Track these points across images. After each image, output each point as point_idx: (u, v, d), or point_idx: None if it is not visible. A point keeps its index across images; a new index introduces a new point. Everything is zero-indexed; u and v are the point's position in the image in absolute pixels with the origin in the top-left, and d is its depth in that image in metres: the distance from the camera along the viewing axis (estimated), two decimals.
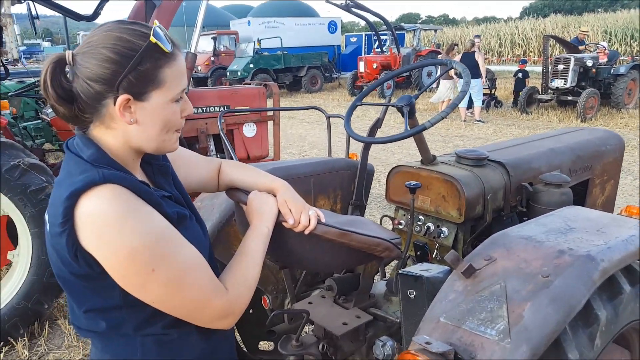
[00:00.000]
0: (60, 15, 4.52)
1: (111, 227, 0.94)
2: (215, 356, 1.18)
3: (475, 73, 10.26)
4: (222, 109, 4.04)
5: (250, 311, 2.37)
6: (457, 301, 1.24)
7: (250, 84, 4.88)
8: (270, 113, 4.61)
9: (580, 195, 2.61)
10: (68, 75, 1.03)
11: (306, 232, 1.28)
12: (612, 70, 11.49)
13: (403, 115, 1.88)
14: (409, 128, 1.83)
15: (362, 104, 2.10)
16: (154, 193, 1.05)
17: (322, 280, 2.30)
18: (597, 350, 1.27)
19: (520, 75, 13.19)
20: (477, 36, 11.40)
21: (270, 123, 4.72)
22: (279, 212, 1.30)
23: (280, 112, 4.94)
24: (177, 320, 1.07)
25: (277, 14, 24.59)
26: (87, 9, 4.38)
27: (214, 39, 19.89)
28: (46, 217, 1.04)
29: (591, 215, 1.56)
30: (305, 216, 1.28)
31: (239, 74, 17.44)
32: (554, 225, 1.45)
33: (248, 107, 4.26)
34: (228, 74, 17.94)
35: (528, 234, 1.37)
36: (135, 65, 0.99)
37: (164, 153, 1.16)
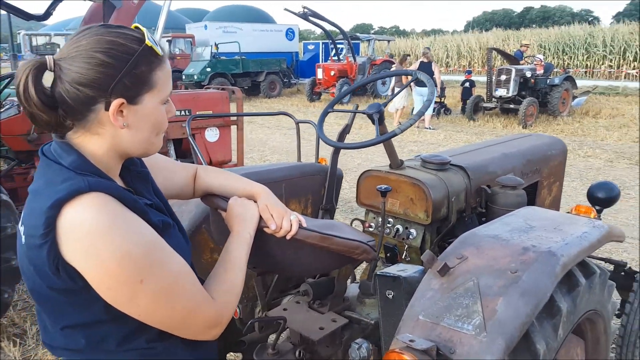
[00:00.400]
0: (4, 13, 4.30)
1: (98, 238, 0.90)
2: None
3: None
4: (184, 113, 3.98)
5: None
6: (434, 299, 1.31)
7: (210, 88, 4.83)
8: (233, 118, 4.58)
9: (530, 197, 2.79)
10: (44, 82, 0.99)
11: (288, 237, 1.29)
12: (548, 81, 12.28)
13: (373, 122, 1.95)
14: (379, 134, 1.91)
15: (332, 111, 2.16)
16: (139, 201, 1.03)
17: (294, 286, 2.32)
18: (560, 339, 1.38)
19: (467, 84, 13.82)
20: (427, 48, 11.82)
21: (233, 128, 4.68)
22: (260, 217, 1.29)
23: (245, 117, 4.91)
24: (162, 332, 1.04)
25: (235, 19, 24.40)
26: (32, 8, 4.18)
27: (169, 41, 19.56)
28: (20, 228, 0.99)
29: (547, 214, 1.68)
30: (287, 221, 1.28)
31: (195, 77, 17.22)
32: (516, 224, 1.55)
33: (211, 112, 4.21)
34: (184, 77, 17.64)
35: (494, 233, 1.46)
36: (131, 69, 0.98)
37: (149, 155, 1.14)
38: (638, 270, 2.73)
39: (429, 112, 11.64)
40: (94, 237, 0.90)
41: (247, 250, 1.23)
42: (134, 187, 1.13)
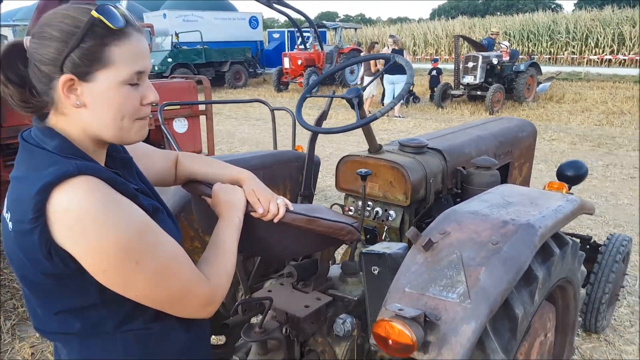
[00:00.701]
0: None
1: (90, 221, 0.89)
2: (194, 347, 1.17)
3: (400, 71, 10.73)
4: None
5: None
6: (419, 272, 1.36)
7: (176, 78, 4.71)
8: (202, 108, 4.47)
9: (502, 177, 2.89)
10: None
11: (275, 220, 1.29)
12: (513, 68, 12.57)
13: (352, 107, 1.98)
14: (359, 118, 1.93)
15: (310, 96, 2.17)
16: (128, 185, 1.02)
17: (275, 271, 2.35)
18: (536, 305, 1.47)
19: (434, 72, 13.98)
20: (392, 36, 11.87)
21: (202, 118, 4.58)
22: (247, 202, 1.29)
23: (213, 107, 4.83)
24: (158, 313, 1.04)
25: (195, 7, 23.80)
26: None
27: None
28: (5, 215, 0.97)
29: (523, 191, 1.76)
30: (274, 205, 1.28)
31: (156, 68, 16.62)
32: (494, 201, 1.62)
33: (178, 101, 4.11)
34: None
35: (475, 209, 1.52)
36: (78, 43, 0.93)
37: (127, 143, 1.07)
38: (602, 244, 2.90)
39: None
40: (87, 221, 0.89)
41: (237, 234, 1.23)
42: (119, 173, 1.11)
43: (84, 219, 0.88)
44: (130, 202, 0.97)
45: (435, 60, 15.09)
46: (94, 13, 0.94)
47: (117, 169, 1.11)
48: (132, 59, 0.98)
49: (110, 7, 0.97)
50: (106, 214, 0.90)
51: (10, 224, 0.94)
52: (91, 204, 0.90)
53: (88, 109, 0.98)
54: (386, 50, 11.43)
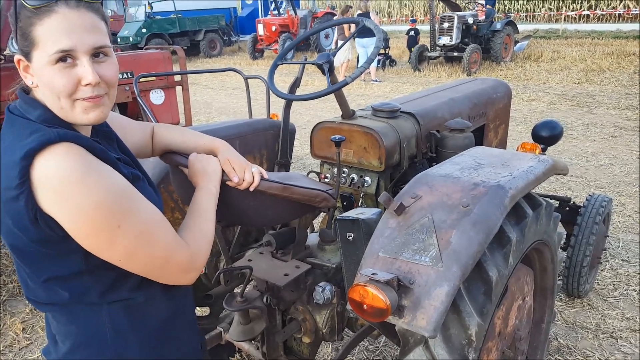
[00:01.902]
0: None
1: (73, 185, 0.91)
2: (179, 314, 1.20)
3: (371, 34, 10.58)
4: (126, 76, 3.80)
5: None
6: (392, 236, 1.37)
7: (150, 49, 4.62)
8: (177, 78, 4.43)
9: (477, 140, 2.90)
10: None
11: (251, 188, 1.32)
12: (490, 27, 12.48)
13: (323, 73, 1.95)
14: (331, 84, 1.91)
15: (282, 63, 2.12)
16: (108, 152, 1.03)
17: (255, 240, 2.35)
18: (511, 267, 1.49)
19: (412, 33, 13.83)
20: None
21: (178, 89, 4.53)
22: (222, 171, 1.31)
23: (188, 77, 4.75)
24: (141, 282, 1.07)
25: None
26: None
27: (100, 3, 18.25)
28: None
29: (495, 152, 1.77)
30: (248, 173, 1.32)
31: (131, 39, 16.33)
32: (465, 163, 1.63)
33: (153, 73, 4.04)
34: (119, 40, 16.67)
35: (446, 172, 1.53)
36: (16, 24, 0.96)
37: (76, 123, 1.03)
38: (581, 205, 2.92)
39: (374, 64, 11.61)
40: (69, 186, 0.91)
41: (214, 202, 1.25)
42: (99, 142, 1.12)
43: (65, 184, 0.91)
44: (110, 168, 0.99)
45: (413, 21, 14.93)
46: None
47: (99, 140, 1.12)
48: (56, 36, 0.94)
49: None
50: (86, 180, 0.92)
51: None
52: (72, 169, 0.92)
53: (40, 89, 1.00)
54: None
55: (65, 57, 0.96)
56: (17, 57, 0.99)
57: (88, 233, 0.95)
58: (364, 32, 10.68)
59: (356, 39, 11.17)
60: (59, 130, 0.95)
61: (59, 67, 0.96)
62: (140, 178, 1.13)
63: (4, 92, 1.14)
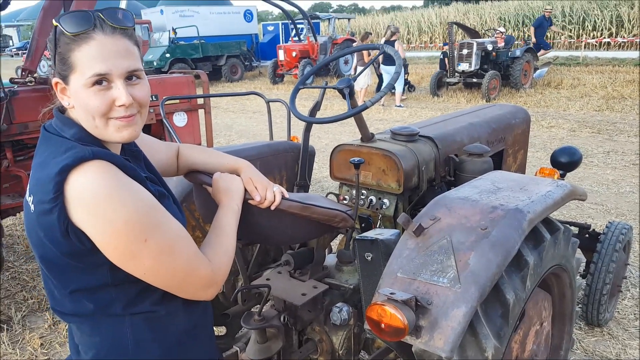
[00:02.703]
0: None
1: (104, 200, 0.96)
2: (199, 328, 1.23)
3: (394, 61, 10.67)
4: (151, 98, 3.91)
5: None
6: (410, 257, 1.39)
7: (175, 73, 4.77)
8: (200, 101, 4.55)
9: (496, 165, 2.91)
10: None
11: (272, 207, 1.36)
12: (509, 54, 12.50)
13: (344, 97, 2.00)
14: (351, 108, 1.96)
15: (304, 87, 2.19)
16: (138, 170, 1.09)
17: (274, 260, 2.38)
18: (528, 291, 1.49)
19: (442, 56, 13.84)
20: (392, 26, 11.83)
21: (201, 112, 4.65)
22: (245, 190, 1.36)
23: (210, 101, 4.88)
24: (163, 296, 1.11)
25: (190, 3, 23.82)
26: None
27: (133, 28, 18.91)
28: (28, 199, 1.04)
29: (513, 177, 1.78)
30: (270, 192, 1.36)
31: (155, 64, 16.81)
32: (484, 187, 1.65)
33: (178, 96, 4.17)
34: (143, 64, 17.20)
35: (464, 195, 1.55)
36: (55, 50, 1.03)
37: (110, 141, 1.10)
38: (601, 233, 2.87)
39: (399, 90, 11.67)
40: (100, 201, 0.96)
41: (236, 219, 1.30)
42: (129, 160, 1.19)
43: (97, 199, 0.96)
44: (139, 185, 1.05)
45: (445, 44, 15.05)
46: (54, 21, 1.02)
47: (128, 158, 1.17)
48: (92, 61, 1.02)
49: (72, 13, 1.03)
50: (117, 195, 0.98)
51: (32, 206, 1.02)
52: (104, 185, 0.98)
53: (76, 109, 1.07)
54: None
55: (101, 80, 1.03)
56: (54, 80, 1.05)
57: (116, 246, 0.99)
58: (389, 59, 10.82)
59: (381, 66, 11.33)
60: (93, 148, 1.02)
61: (95, 90, 1.03)
62: (166, 196, 1.18)
63: (41, 112, 1.20)
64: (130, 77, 1.07)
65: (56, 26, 1.01)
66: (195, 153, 1.45)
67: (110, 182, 0.98)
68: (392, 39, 11.07)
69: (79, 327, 1.14)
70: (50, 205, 0.96)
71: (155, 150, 1.38)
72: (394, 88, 11.73)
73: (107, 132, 1.07)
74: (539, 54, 14.14)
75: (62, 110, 1.12)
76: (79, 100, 1.04)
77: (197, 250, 1.13)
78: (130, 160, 1.16)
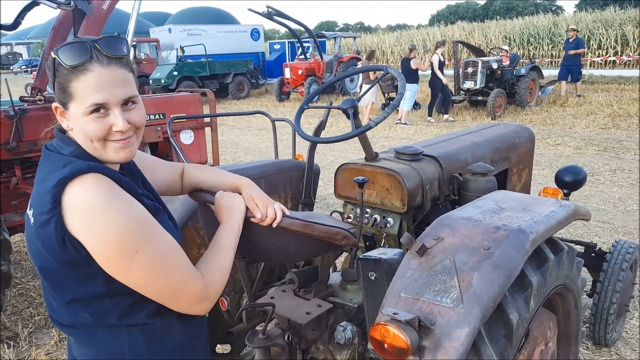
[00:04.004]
0: None
1: (98, 211, 1.00)
2: (194, 340, 1.25)
3: (411, 79, 10.84)
4: (158, 117, 3.99)
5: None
6: (413, 277, 1.39)
7: (182, 91, 4.85)
8: (207, 120, 4.62)
9: (501, 184, 2.92)
10: None
11: (274, 225, 1.38)
12: (514, 72, 12.57)
13: (348, 117, 2.03)
14: (355, 128, 1.98)
15: (309, 107, 2.22)
16: (133, 184, 1.13)
17: (278, 278, 2.39)
18: (532, 311, 1.48)
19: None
20: (411, 44, 12.02)
21: (207, 130, 4.72)
22: (247, 208, 1.38)
23: (217, 118, 4.94)
24: (159, 309, 1.14)
25: (198, 22, 24.25)
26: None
27: (134, 46, 19.23)
28: (29, 212, 1.08)
29: (516, 196, 1.79)
30: (271, 210, 1.38)
31: (162, 81, 17.06)
32: (487, 207, 1.66)
33: (185, 114, 4.24)
34: (151, 81, 17.46)
35: (467, 215, 1.56)
36: (53, 78, 1.09)
37: (109, 161, 1.15)
38: (607, 251, 2.86)
39: (407, 108, 11.75)
40: (94, 212, 1.00)
41: (235, 238, 1.31)
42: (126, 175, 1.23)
43: (92, 209, 1.01)
44: (133, 198, 1.09)
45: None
46: (53, 54, 1.07)
47: (126, 175, 1.22)
48: (90, 92, 1.07)
49: (70, 45, 1.07)
50: (111, 207, 1.02)
51: (32, 219, 1.07)
52: (98, 197, 1.02)
53: (74, 132, 1.13)
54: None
55: (98, 108, 1.08)
56: (54, 104, 1.12)
57: (108, 256, 1.02)
58: (408, 77, 10.90)
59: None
60: (89, 162, 1.07)
61: (93, 117, 1.08)
62: (162, 211, 1.22)
63: (43, 131, 1.27)
64: (126, 102, 1.12)
65: (54, 58, 1.07)
66: (199, 172, 1.49)
67: (105, 193, 1.03)
68: (410, 57, 11.20)
69: (77, 340, 1.17)
70: (47, 216, 1.01)
71: (157, 169, 1.43)
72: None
73: (105, 153, 1.12)
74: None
75: (62, 130, 1.17)
76: (78, 124, 1.10)
77: (190, 264, 1.15)
78: (128, 177, 1.20)
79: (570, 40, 13.91)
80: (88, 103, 1.06)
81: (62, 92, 1.08)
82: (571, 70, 13.93)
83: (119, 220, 1.01)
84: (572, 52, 13.59)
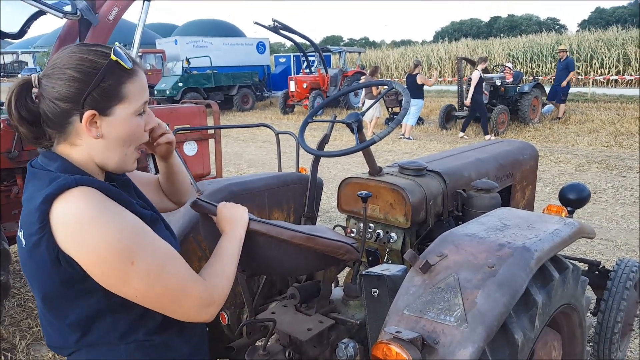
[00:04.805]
0: None
1: (87, 225, 0.98)
2: (194, 355, 1.23)
3: (416, 94, 10.85)
4: None
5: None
6: (417, 294, 1.38)
7: (186, 103, 4.87)
8: (211, 131, 4.62)
9: (504, 200, 2.90)
10: (35, 98, 1.09)
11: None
12: (517, 89, 12.62)
13: (352, 131, 2.03)
14: (359, 142, 1.98)
15: (313, 121, 2.22)
16: (123, 193, 1.11)
17: (280, 292, 2.36)
18: (537, 331, 1.46)
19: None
20: (415, 59, 12.02)
21: (211, 141, 4.72)
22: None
23: (221, 130, 4.96)
24: (159, 325, 1.11)
25: (204, 34, 24.51)
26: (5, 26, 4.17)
27: (140, 57, 19.43)
28: (19, 234, 1.05)
29: (520, 214, 1.78)
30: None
31: (167, 92, 17.22)
32: (491, 223, 1.64)
33: (189, 125, 4.25)
34: (156, 92, 17.61)
35: (472, 232, 1.55)
36: (98, 82, 1.06)
37: (125, 171, 1.18)
38: (611, 269, 2.83)
39: (412, 123, 11.77)
40: (84, 226, 0.98)
41: (238, 247, 1.30)
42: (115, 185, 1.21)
43: (80, 223, 0.98)
44: (124, 208, 1.07)
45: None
46: (113, 56, 1.08)
47: (116, 185, 1.20)
48: (141, 92, 1.14)
49: (120, 49, 1.11)
50: (100, 219, 0.99)
51: (23, 241, 1.04)
52: (87, 211, 0.99)
53: (104, 140, 1.11)
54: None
55: (143, 108, 1.16)
56: (89, 112, 1.06)
57: (103, 270, 1.00)
58: (413, 92, 10.88)
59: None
60: (76, 176, 1.04)
61: (139, 117, 1.14)
62: (158, 220, 1.21)
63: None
64: None
65: (108, 61, 1.07)
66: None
67: (93, 206, 1.00)
68: (414, 72, 11.23)
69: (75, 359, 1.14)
70: (38, 237, 0.98)
71: (152, 183, 1.47)
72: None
73: (129, 160, 1.16)
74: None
75: (45, 146, 1.15)
76: (123, 128, 1.11)
77: (189, 269, 1.12)
78: (118, 187, 1.18)
79: (562, 60, 13.79)
80: (142, 101, 1.13)
81: (109, 95, 1.07)
82: (557, 91, 13.72)
83: (110, 233, 0.98)
84: (564, 83, 13.33)
